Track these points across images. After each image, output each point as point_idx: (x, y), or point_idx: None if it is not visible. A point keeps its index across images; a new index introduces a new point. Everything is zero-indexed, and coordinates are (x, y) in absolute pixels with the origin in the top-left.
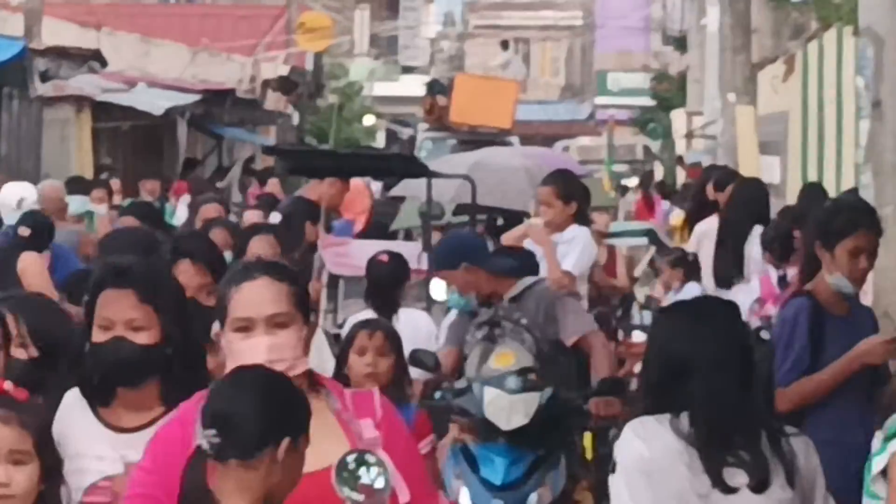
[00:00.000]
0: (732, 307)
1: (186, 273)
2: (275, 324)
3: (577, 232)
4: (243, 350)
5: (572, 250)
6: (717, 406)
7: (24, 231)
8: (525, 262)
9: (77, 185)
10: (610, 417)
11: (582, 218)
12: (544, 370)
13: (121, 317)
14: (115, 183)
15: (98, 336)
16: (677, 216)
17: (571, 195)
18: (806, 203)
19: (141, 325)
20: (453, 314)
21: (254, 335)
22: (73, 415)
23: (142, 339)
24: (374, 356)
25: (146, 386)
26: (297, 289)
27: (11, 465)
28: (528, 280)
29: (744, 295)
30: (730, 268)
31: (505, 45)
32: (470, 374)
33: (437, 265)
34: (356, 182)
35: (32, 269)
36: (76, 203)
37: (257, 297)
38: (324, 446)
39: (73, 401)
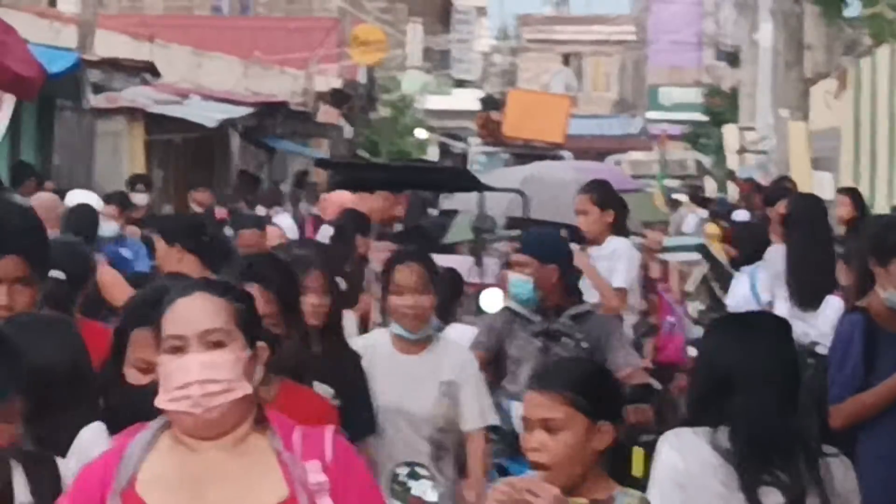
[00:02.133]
0: (783, 323)
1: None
2: (210, 342)
3: (616, 244)
4: (174, 371)
5: (617, 265)
6: (758, 422)
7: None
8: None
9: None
10: (641, 424)
11: (619, 228)
12: None
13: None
14: (142, 197)
15: (135, 377)
16: (712, 227)
17: (607, 203)
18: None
19: None
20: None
21: (186, 354)
22: (95, 452)
23: None
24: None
25: None
26: (241, 307)
27: None
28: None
29: (832, 311)
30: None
31: (566, 60)
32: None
33: (531, 251)
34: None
35: (111, 279)
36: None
37: (191, 313)
38: (259, 487)
39: (94, 437)
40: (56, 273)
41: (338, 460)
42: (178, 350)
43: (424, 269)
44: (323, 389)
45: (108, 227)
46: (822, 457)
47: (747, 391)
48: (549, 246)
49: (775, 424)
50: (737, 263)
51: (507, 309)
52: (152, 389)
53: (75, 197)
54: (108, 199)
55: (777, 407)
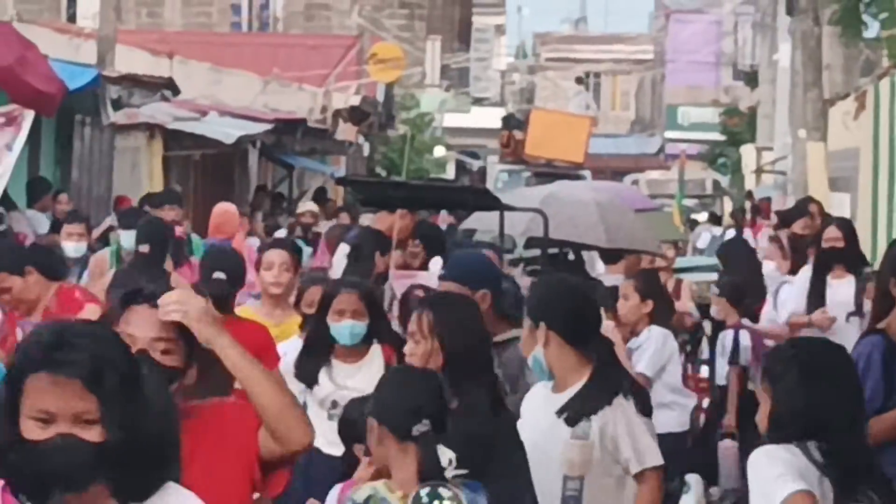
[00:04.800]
0: (842, 349)
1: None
2: None
3: (652, 333)
4: None
5: (645, 352)
6: (848, 442)
7: (144, 248)
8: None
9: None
10: None
11: (660, 318)
12: None
13: (66, 409)
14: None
15: (33, 430)
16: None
17: (649, 293)
18: None
19: (91, 418)
20: None
21: None
22: None
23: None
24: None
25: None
26: None
27: None
28: (519, 331)
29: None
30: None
31: (580, 80)
32: None
33: (459, 276)
34: (226, 206)
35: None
36: (131, 237)
37: None
38: None
39: None
40: (218, 274)
41: None
42: None
43: None
44: (441, 453)
45: (73, 248)
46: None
47: (826, 416)
48: (479, 270)
49: (861, 444)
50: None
51: None
52: (55, 446)
53: None
54: (72, 217)
55: (858, 428)
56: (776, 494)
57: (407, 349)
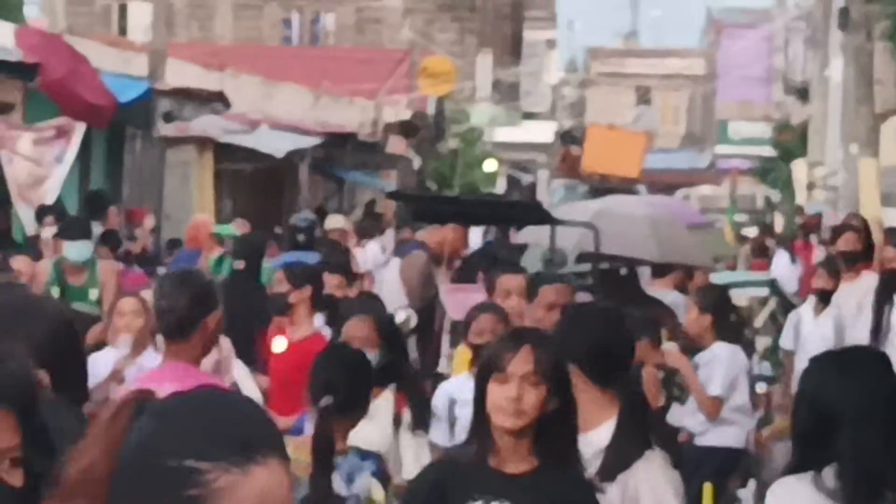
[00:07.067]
0: (883, 357)
1: None
2: None
3: (717, 351)
4: None
5: (714, 372)
6: (867, 458)
7: (240, 264)
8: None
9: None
10: None
11: (724, 331)
12: None
13: None
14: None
15: None
16: None
17: (707, 306)
18: None
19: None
20: None
21: None
22: None
23: None
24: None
25: None
26: None
27: None
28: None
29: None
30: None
31: (644, 98)
32: None
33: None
34: (201, 218)
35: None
36: (77, 249)
37: None
38: None
39: None
40: None
41: None
42: None
43: None
44: None
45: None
46: None
47: (852, 427)
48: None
49: (885, 459)
50: None
51: None
52: None
53: None
54: (102, 238)
55: (884, 442)
56: None
57: (509, 397)
